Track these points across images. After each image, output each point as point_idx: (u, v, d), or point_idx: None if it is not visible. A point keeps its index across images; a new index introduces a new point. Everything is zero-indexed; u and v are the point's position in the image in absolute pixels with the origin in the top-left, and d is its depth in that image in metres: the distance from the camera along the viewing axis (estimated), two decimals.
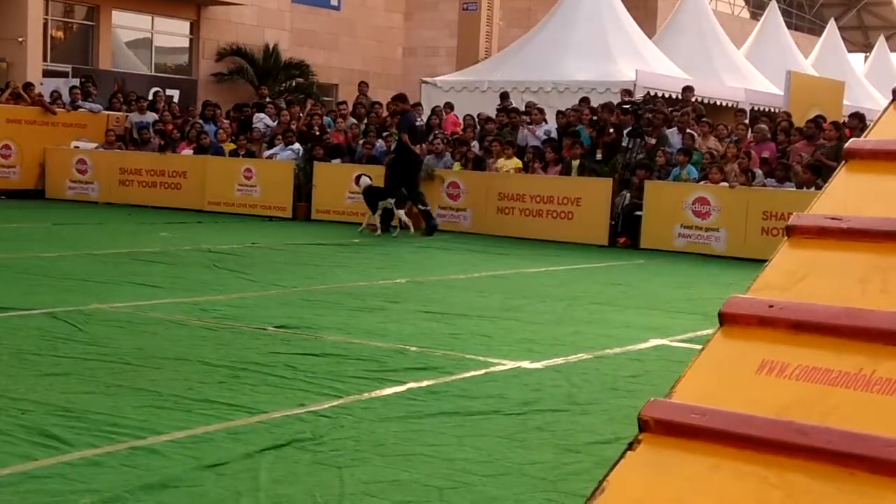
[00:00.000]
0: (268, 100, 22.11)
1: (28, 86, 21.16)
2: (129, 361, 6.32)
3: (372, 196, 16.17)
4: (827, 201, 2.78)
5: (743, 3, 58.59)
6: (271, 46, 29.34)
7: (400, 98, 17.23)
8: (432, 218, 16.49)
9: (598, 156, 17.05)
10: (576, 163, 16.73)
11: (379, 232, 15.99)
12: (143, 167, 19.63)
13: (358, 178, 16.66)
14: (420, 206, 16.36)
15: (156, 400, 5.43)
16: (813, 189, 13.92)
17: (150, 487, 4.09)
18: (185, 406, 5.33)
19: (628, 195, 16.01)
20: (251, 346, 6.98)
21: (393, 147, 17.18)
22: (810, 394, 2.25)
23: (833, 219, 2.64)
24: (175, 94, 25.49)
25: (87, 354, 6.47)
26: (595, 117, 17.97)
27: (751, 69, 28.50)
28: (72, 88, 21.79)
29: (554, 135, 18.06)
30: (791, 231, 2.73)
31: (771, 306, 2.46)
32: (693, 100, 19.99)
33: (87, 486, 4.07)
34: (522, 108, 19.68)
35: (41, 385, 5.64)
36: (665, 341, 8.04)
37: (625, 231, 15.95)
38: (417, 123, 17.49)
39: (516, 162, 17.29)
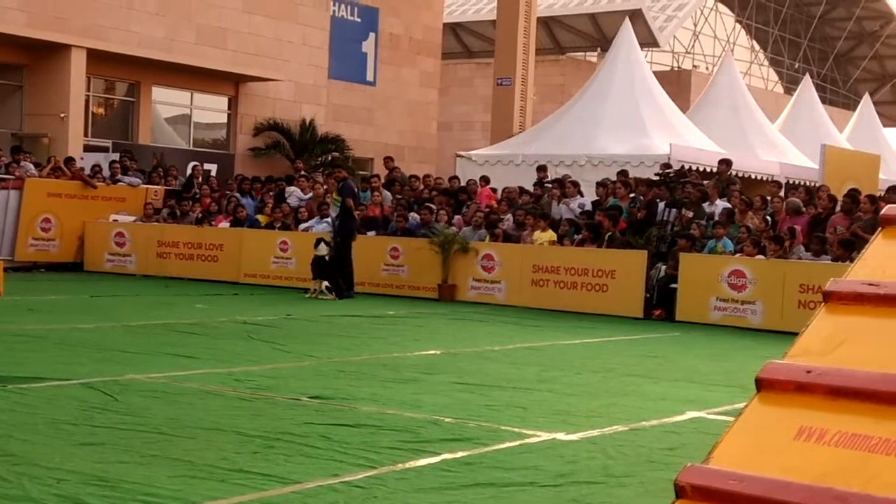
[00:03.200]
0: (302, 173, 22.34)
1: (69, 160, 21.51)
2: (164, 431, 6.33)
3: (319, 268, 16.84)
4: (864, 267, 2.76)
5: (777, 78, 58.86)
6: (308, 121, 29.70)
7: (339, 166, 19.39)
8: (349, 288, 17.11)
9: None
10: (608, 234, 16.75)
11: (332, 296, 16.66)
12: (180, 240, 19.85)
13: (317, 242, 17.00)
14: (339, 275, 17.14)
15: (190, 469, 5.41)
16: (848, 263, 13.81)
17: None
18: (220, 476, 5.32)
19: (663, 267, 15.97)
20: (286, 417, 6.96)
21: (335, 214, 17.83)
22: (850, 460, 2.22)
23: (870, 284, 2.63)
24: (213, 168, 25.79)
25: (123, 424, 6.48)
26: (633, 193, 18.02)
27: (785, 143, 28.50)
28: (111, 163, 22.13)
29: (588, 207, 18.10)
30: (828, 297, 2.71)
31: (809, 372, 2.44)
32: (729, 173, 19.97)
33: None
34: (556, 182, 19.80)
35: (77, 454, 5.65)
36: (702, 414, 7.96)
37: (660, 303, 15.88)
38: (357, 190, 18.64)
39: (551, 234, 17.32)
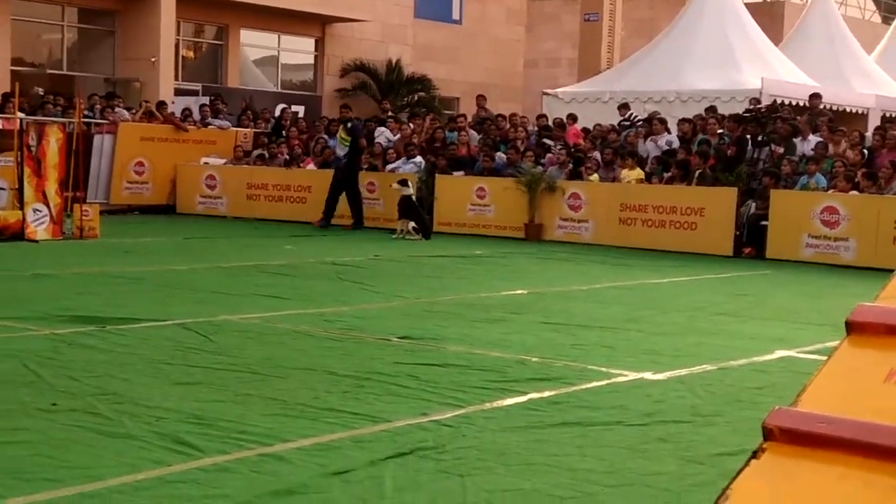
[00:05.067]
0: (389, 114, 22.38)
1: (160, 104, 21.83)
2: (257, 371, 6.47)
3: (406, 208, 17.05)
4: None
5: (874, 8, 57.06)
6: (394, 61, 29.68)
7: (347, 107, 19.82)
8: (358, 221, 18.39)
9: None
10: (698, 172, 16.53)
11: (419, 236, 16.85)
12: (269, 182, 20.06)
13: (402, 182, 17.21)
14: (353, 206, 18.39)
15: (283, 408, 5.54)
16: None
17: (278, 494, 4.18)
18: (312, 414, 5.43)
19: (753, 205, 15.73)
20: (375, 357, 7.07)
21: (343, 154, 18.52)
22: None
23: None
24: (300, 109, 25.96)
25: (218, 364, 6.64)
26: (721, 130, 17.73)
27: (882, 75, 27.72)
28: (202, 106, 22.40)
29: (676, 145, 17.87)
30: None
31: None
32: (821, 107, 19.54)
33: (218, 492, 4.18)
34: (644, 118, 19.57)
35: (174, 393, 5.81)
36: (791, 353, 7.88)
37: (750, 241, 15.67)
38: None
39: (639, 172, 17.16)
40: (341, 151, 18.62)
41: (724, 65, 23.26)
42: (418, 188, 17.78)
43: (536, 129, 20.34)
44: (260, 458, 4.64)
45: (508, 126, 20.23)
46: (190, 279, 11.00)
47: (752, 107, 18.51)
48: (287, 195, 19.83)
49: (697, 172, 16.49)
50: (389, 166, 19.32)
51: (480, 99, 22.86)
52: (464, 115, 21.73)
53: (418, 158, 19.00)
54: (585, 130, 20.12)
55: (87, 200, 16.91)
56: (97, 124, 20.29)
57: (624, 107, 20.95)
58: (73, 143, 15.46)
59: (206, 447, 4.77)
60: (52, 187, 14.71)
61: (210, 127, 21.66)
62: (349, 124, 18.74)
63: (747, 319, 9.56)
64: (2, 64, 23.63)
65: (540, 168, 17.86)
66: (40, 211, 14.51)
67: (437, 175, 18.42)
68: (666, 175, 17.01)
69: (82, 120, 18.18)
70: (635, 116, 20.41)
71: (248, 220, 19.41)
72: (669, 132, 18.60)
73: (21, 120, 15.38)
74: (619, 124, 19.83)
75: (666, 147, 17.90)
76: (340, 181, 18.45)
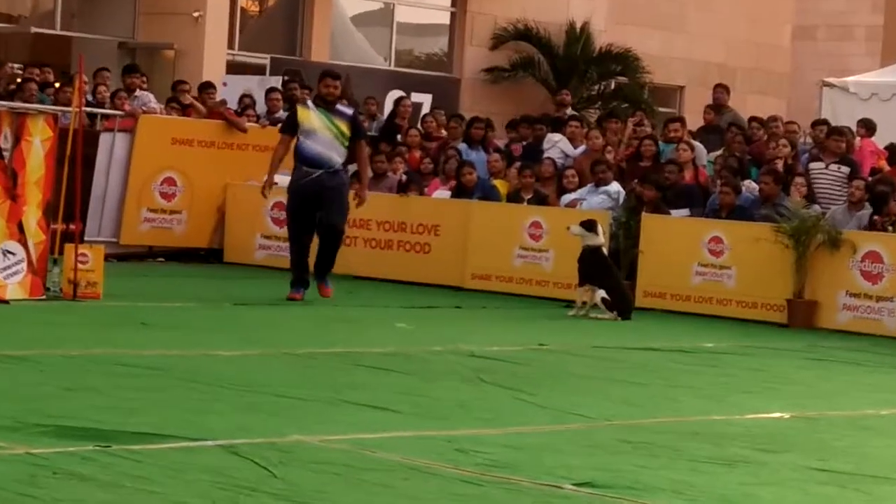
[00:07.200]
0: (569, 112, 22.46)
1: (205, 87, 22.16)
2: None
3: (593, 268, 16.93)
4: None
5: None
6: (578, 26, 29.79)
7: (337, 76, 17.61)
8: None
9: None
10: None
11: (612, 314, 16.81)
12: (372, 217, 20.08)
13: (588, 224, 17.06)
14: None
15: None
16: None
17: None
18: None
19: None
20: None
21: (341, 160, 16.79)
22: None
23: None
24: (426, 100, 26.05)
25: None
26: None
27: None
28: (270, 91, 22.69)
29: None
30: None
31: None
32: None
33: None
34: None
35: None
36: None
37: None
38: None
39: None
40: (337, 156, 16.72)
41: None
42: (612, 235, 17.77)
43: (811, 142, 20.20)
44: None
45: (765, 136, 20.13)
46: (241, 372, 11.18)
47: None
48: (399, 239, 19.91)
49: None
50: (566, 197, 19.36)
51: (719, 91, 22.77)
52: (681, 119, 21.58)
53: (614, 186, 19.00)
54: (891, 148, 19.89)
55: (86, 238, 17.33)
56: (105, 116, 20.72)
57: None
58: (66, 145, 15.83)
59: None
60: (32, 215, 15.08)
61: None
62: (351, 110, 17.29)
63: None
64: None
65: (816, 208, 17.70)
66: (13, 254, 14.89)
67: (643, 214, 18.36)
68: None
69: (83, 109, 18.54)
70: None
71: (337, 278, 19.61)
72: None
73: None
74: None
75: None
76: (315, 201, 16.73)
